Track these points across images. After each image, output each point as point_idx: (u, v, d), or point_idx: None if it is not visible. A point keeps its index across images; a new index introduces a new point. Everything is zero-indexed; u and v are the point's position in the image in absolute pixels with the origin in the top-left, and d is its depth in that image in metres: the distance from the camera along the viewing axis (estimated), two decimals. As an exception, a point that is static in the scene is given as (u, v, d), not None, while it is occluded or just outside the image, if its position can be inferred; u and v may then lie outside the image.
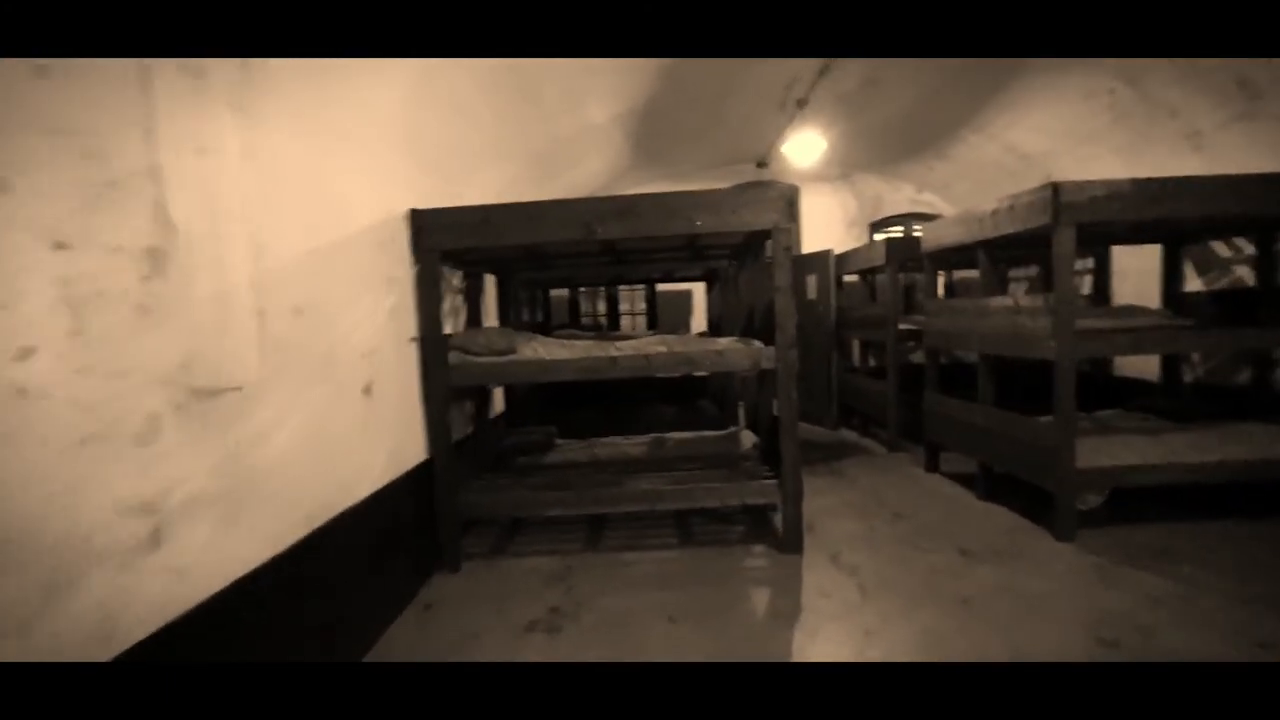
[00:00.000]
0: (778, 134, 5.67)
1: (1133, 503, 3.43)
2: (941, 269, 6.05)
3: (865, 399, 5.76)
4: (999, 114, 5.14)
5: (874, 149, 6.58)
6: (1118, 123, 4.50)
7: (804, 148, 5.75)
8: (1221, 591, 2.61)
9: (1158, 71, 3.93)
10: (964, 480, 4.23)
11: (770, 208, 2.92)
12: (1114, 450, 3.35)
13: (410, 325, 3.08)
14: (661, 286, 7.14)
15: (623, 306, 7.43)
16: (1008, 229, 3.45)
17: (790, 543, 3.14)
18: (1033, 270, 6.11)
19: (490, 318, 4.43)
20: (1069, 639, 2.34)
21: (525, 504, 3.20)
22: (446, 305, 3.73)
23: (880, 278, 5.50)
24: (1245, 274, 4.09)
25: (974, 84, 4.76)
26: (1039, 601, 2.61)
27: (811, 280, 6.36)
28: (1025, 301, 3.41)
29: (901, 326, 5.29)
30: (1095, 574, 2.84)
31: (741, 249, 3.96)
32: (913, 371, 4.98)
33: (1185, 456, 3.25)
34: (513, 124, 3.75)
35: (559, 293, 6.98)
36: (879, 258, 5.25)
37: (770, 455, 3.53)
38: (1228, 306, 4.17)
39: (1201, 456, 3.24)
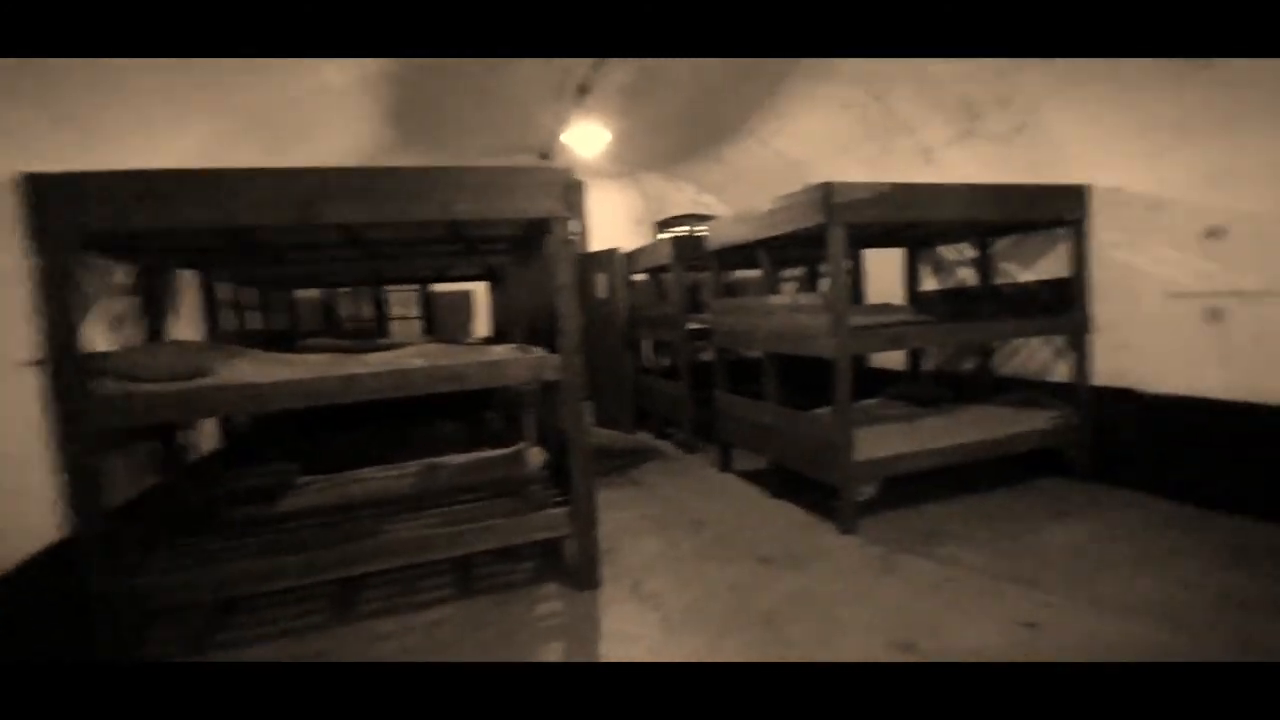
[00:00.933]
0: (559, 122, 5.29)
1: (900, 487, 3.63)
2: (725, 268, 6.19)
3: (660, 400, 5.65)
4: (768, 120, 5.32)
5: (657, 148, 6.54)
6: (866, 135, 4.88)
7: (587, 138, 5.44)
8: (982, 569, 2.77)
9: (900, 89, 4.27)
10: (756, 478, 4.24)
11: (545, 193, 2.48)
12: (884, 440, 3.52)
13: (20, 341, 2.09)
14: (439, 287, 6.38)
15: (395, 310, 6.51)
16: (786, 227, 3.45)
17: (585, 578, 2.75)
18: (800, 271, 6.54)
19: (187, 327, 3.38)
20: (870, 647, 2.27)
21: (235, 579, 2.37)
22: (106, 311, 2.69)
23: (668, 276, 5.41)
24: (968, 274, 4.65)
25: (747, 89, 4.83)
26: (835, 608, 2.54)
27: (601, 279, 6.10)
28: (804, 299, 3.43)
29: (691, 325, 5.24)
30: (880, 567, 2.88)
31: (521, 243, 3.48)
32: (706, 370, 4.95)
33: (940, 441, 3.51)
34: (208, 68, 2.82)
35: (309, 294, 5.86)
36: (666, 256, 5.14)
37: (562, 474, 3.12)
38: (956, 303, 4.71)
39: (951, 440, 3.53)
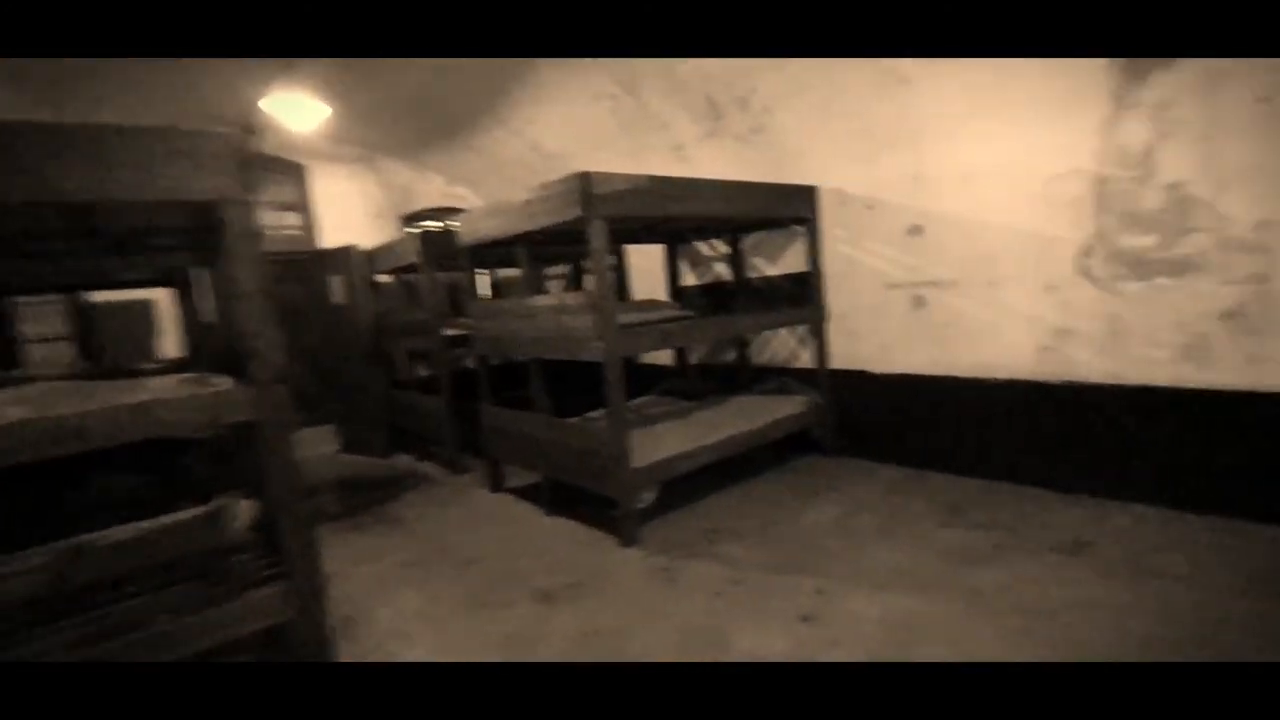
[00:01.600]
0: (256, 89, 4.31)
1: (677, 484, 3.57)
2: (484, 267, 5.70)
3: (419, 417, 4.98)
4: (521, 108, 4.98)
5: (398, 131, 5.78)
6: (622, 130, 4.80)
7: (297, 110, 4.53)
8: (759, 564, 2.78)
9: (651, 84, 4.23)
10: (531, 495, 3.89)
11: (208, 165, 1.80)
12: (661, 443, 3.41)
13: None
14: (104, 296, 4.88)
15: (33, 328, 4.83)
16: (544, 221, 3.13)
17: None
18: (565, 269, 6.33)
19: None
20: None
21: None
22: None
23: (418, 277, 4.76)
24: (723, 269, 4.84)
25: (491, 73, 4.42)
26: (624, 641, 2.30)
27: (337, 281, 5.20)
28: (569, 299, 3.15)
29: (449, 332, 4.69)
30: (664, 579, 2.72)
31: (200, 237, 2.64)
32: (469, 380, 4.44)
33: (712, 436, 3.52)
34: None
35: None
36: (414, 253, 4.50)
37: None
38: (715, 297, 4.88)
39: (721, 434, 3.56)
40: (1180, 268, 2.78)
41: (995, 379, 3.40)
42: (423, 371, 5.76)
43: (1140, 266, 2.89)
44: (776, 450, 4.10)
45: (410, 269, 4.79)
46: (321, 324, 5.36)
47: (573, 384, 4.41)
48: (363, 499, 4.26)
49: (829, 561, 2.75)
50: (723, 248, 4.79)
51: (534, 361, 3.58)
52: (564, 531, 3.37)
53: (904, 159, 3.57)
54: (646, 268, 5.43)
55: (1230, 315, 2.68)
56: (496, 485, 4.12)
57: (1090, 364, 3.09)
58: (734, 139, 4.26)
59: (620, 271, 5.63)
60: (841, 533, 3.03)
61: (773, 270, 4.48)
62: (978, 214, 3.36)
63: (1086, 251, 3.03)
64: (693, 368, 5.16)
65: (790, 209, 3.85)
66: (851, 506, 3.33)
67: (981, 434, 3.49)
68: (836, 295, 4.05)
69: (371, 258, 5.21)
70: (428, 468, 4.93)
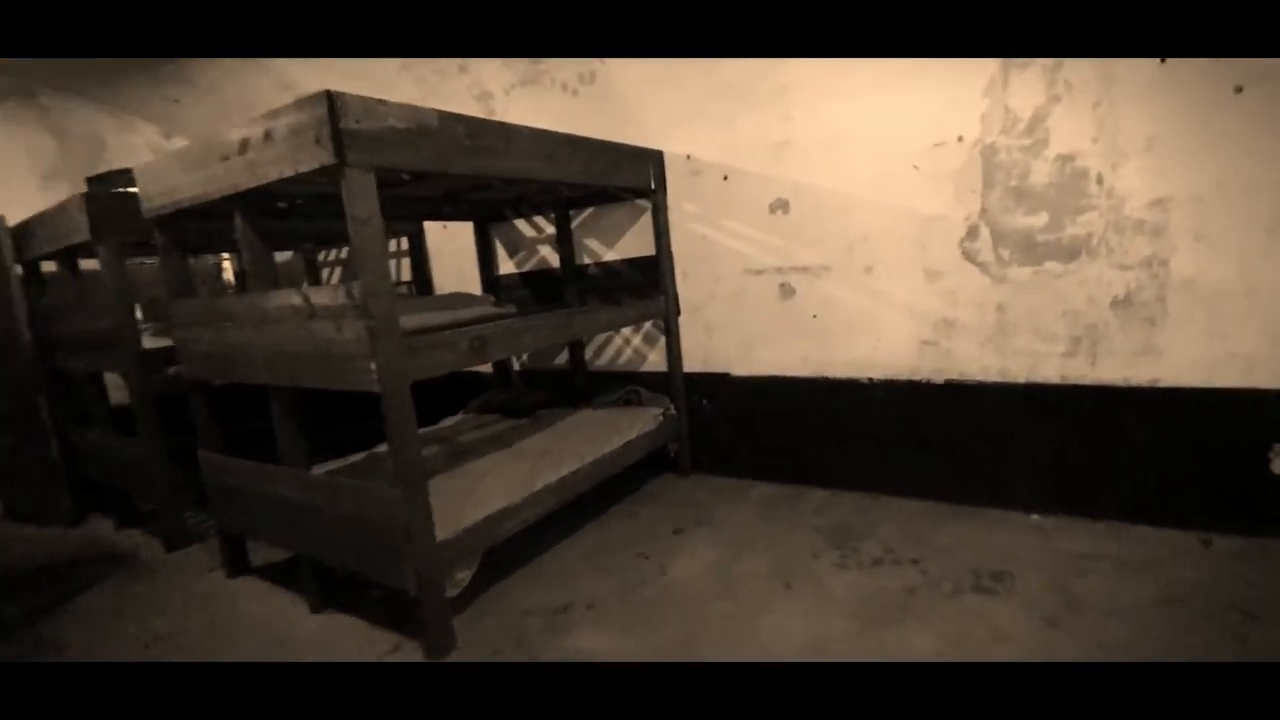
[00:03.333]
0: None
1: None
2: (192, 249, 4.15)
3: (117, 466, 3.41)
4: (260, 28, 3.59)
5: (76, 60, 3.99)
6: (407, 72, 3.66)
7: None
8: (624, 651, 1.97)
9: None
10: (288, 577, 2.69)
11: None
12: (479, 493, 2.44)
13: None
14: None
15: None
16: (271, 173, 1.98)
17: None
18: (338, 254, 4.96)
19: None
20: None
21: None
22: None
23: (95, 263, 3.17)
24: (548, 253, 3.93)
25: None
26: None
27: (-43, 272, 3.40)
28: (321, 296, 2.04)
29: (153, 344, 3.23)
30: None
31: None
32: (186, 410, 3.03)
33: (547, 475, 2.63)
34: None
35: None
36: (82, 228, 2.96)
37: None
38: (539, 287, 3.96)
39: (562, 469, 2.69)
40: (1070, 251, 2.47)
41: (872, 379, 2.95)
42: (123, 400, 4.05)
43: (1029, 250, 2.54)
44: (628, 472, 3.34)
45: (80, 249, 3.20)
46: (-63, 336, 3.50)
47: (352, 400, 3.24)
48: (12, 610, 2.72)
49: (720, 641, 2.04)
50: (548, 227, 3.88)
51: (275, 391, 2.38)
52: (336, 641, 2.28)
53: (768, 121, 2.96)
54: (452, 251, 4.34)
55: (1122, 303, 2.41)
56: (236, 566, 2.84)
57: (976, 359, 2.73)
58: (559, 89, 3.36)
59: (418, 256, 4.48)
60: (724, 589, 2.35)
61: (611, 255, 3.69)
62: (851, 187, 2.85)
63: (971, 233, 2.64)
64: (517, 374, 4.21)
65: (631, 176, 3.07)
66: (728, 547, 2.67)
67: (859, 442, 3.03)
68: (690, 284, 3.37)
69: (24, 235, 3.48)
70: (133, 539, 3.40)
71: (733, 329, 3.28)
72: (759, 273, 3.15)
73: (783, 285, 3.10)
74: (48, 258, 3.50)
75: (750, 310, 3.21)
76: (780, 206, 3.03)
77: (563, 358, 3.96)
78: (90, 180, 4.54)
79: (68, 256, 3.37)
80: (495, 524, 2.35)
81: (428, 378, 2.09)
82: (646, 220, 3.39)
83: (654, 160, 3.20)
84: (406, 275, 4.56)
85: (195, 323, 2.54)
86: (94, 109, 4.68)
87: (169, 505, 3.16)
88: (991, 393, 2.70)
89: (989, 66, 2.47)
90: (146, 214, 2.53)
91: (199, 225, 2.86)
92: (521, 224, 4.04)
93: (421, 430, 3.41)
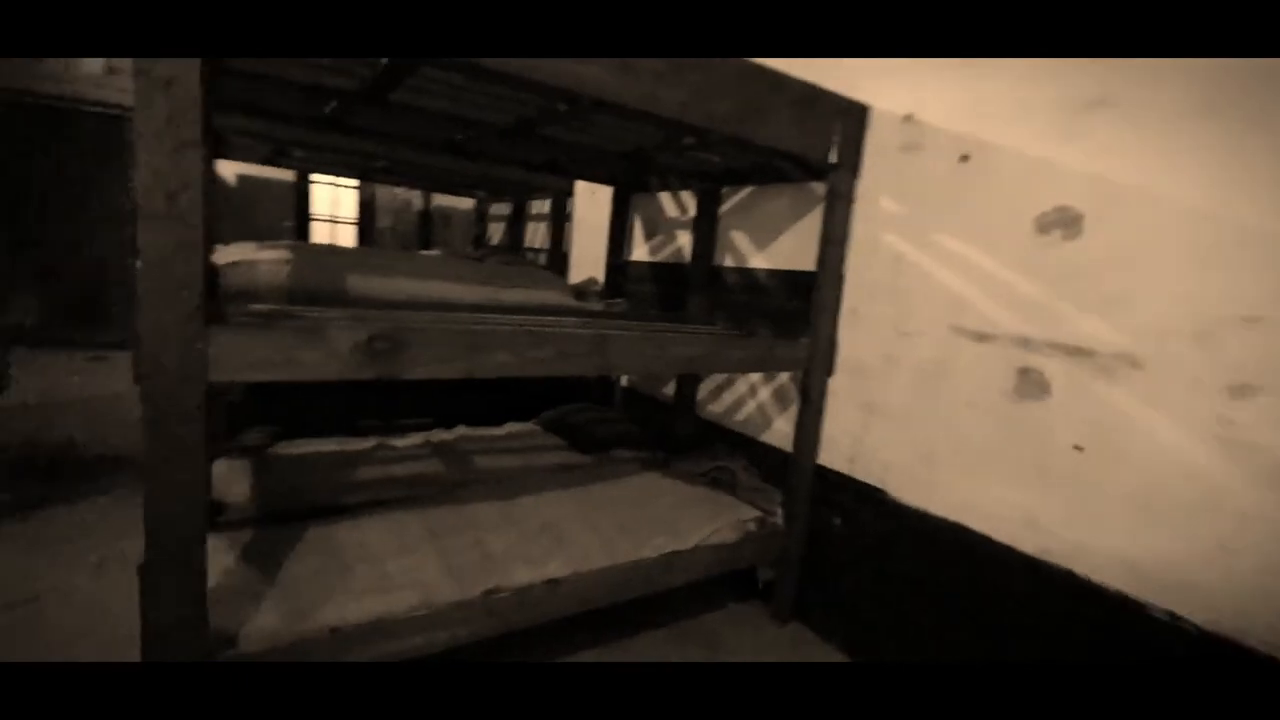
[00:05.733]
0: None
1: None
2: None
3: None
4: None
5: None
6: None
7: None
8: None
9: None
10: None
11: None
12: (378, 578, 1.55)
13: None
14: None
15: None
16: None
17: None
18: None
19: None
20: None
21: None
22: None
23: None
24: (687, 243, 2.86)
25: None
26: None
27: None
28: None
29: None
30: None
31: None
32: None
33: (502, 575, 1.64)
34: None
35: None
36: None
37: None
38: (664, 284, 2.94)
39: (533, 572, 1.68)
40: None
41: (1177, 615, 1.38)
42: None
43: None
44: (686, 588, 2.18)
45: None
46: None
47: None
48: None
49: None
50: (690, 206, 2.81)
51: None
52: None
53: (1068, 64, 1.52)
54: (598, 224, 3.50)
55: None
56: None
57: None
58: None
59: (559, 223, 3.74)
60: None
61: (758, 260, 2.50)
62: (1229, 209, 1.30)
63: None
64: (622, 390, 3.25)
65: (791, 135, 1.84)
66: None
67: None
68: (859, 330, 2.05)
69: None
70: None
71: (912, 423, 1.90)
72: (984, 338, 1.73)
73: (1025, 371, 1.64)
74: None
75: (952, 401, 1.80)
76: (1062, 223, 1.58)
77: (669, 387, 2.89)
78: None
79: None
80: (366, 640, 1.43)
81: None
82: (814, 219, 2.15)
83: (846, 115, 1.93)
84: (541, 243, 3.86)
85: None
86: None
87: None
88: None
89: None
90: None
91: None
92: (667, 200, 3.02)
93: (455, 433, 2.66)
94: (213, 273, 1.79)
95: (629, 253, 3.22)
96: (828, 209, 2.01)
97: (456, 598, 1.57)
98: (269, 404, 2.49)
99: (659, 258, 3.04)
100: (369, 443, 2.52)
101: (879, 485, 1.97)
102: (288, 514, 1.90)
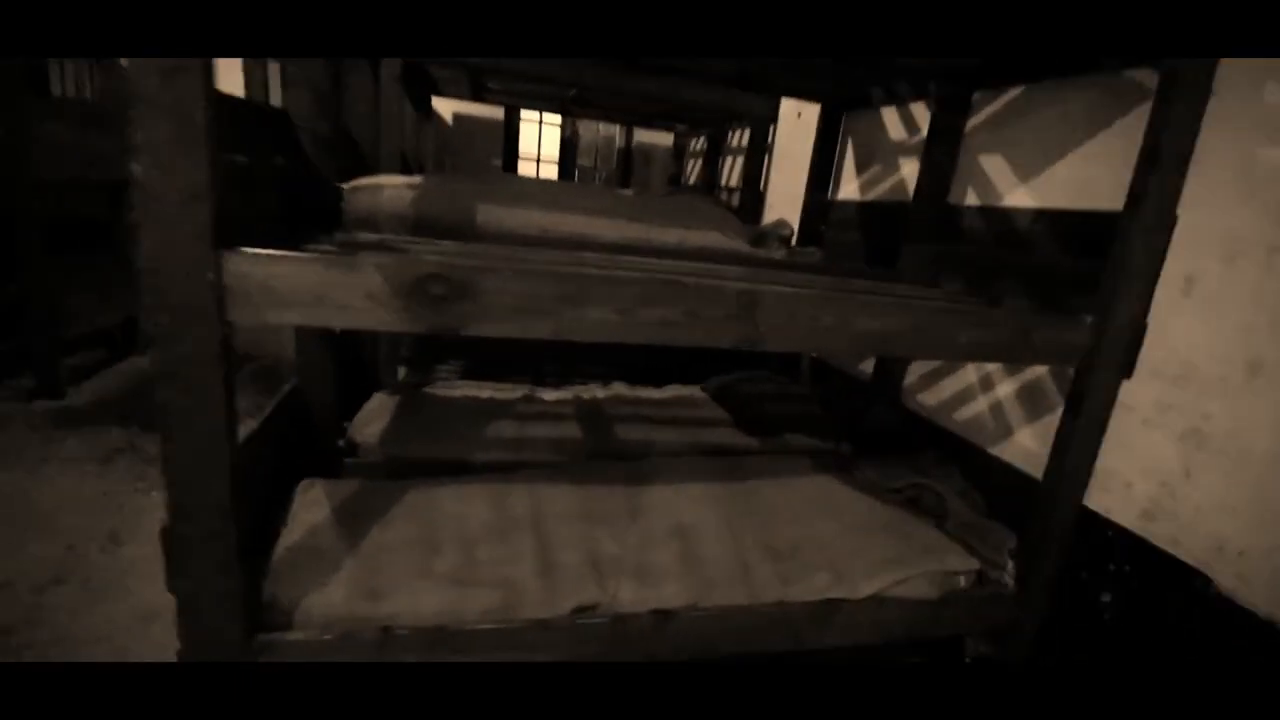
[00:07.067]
0: None
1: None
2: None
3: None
4: None
5: None
6: None
7: None
8: None
9: None
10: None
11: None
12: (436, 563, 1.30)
13: None
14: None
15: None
16: None
17: None
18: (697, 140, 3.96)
19: None
20: None
21: None
22: None
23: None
24: (910, 174, 2.14)
25: None
26: None
27: None
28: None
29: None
30: None
31: None
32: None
33: (572, 593, 1.29)
34: None
35: None
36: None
37: None
38: (876, 231, 2.27)
39: (603, 590, 1.30)
40: None
41: None
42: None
43: None
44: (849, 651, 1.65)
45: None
46: None
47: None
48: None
49: None
50: (923, 122, 2.07)
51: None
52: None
53: None
54: (801, 156, 2.88)
55: None
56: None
57: None
58: None
59: (757, 155, 3.17)
60: None
61: (1019, 195, 1.72)
62: None
63: None
64: (806, 356, 2.68)
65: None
66: None
67: None
68: (1193, 310, 1.26)
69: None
70: None
71: (1254, 464, 1.11)
72: None
73: None
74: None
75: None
76: None
77: (868, 365, 2.25)
78: None
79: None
80: (422, 647, 1.18)
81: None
82: (1126, 130, 1.35)
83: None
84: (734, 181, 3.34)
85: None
86: None
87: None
88: None
89: None
90: None
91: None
92: (890, 118, 2.29)
93: (609, 389, 2.38)
94: (335, 195, 1.65)
95: (835, 191, 2.57)
96: (1158, 109, 1.22)
97: (541, 612, 1.25)
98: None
99: (871, 195, 2.35)
100: (518, 392, 2.34)
101: (1200, 567, 1.21)
102: (410, 465, 1.77)
